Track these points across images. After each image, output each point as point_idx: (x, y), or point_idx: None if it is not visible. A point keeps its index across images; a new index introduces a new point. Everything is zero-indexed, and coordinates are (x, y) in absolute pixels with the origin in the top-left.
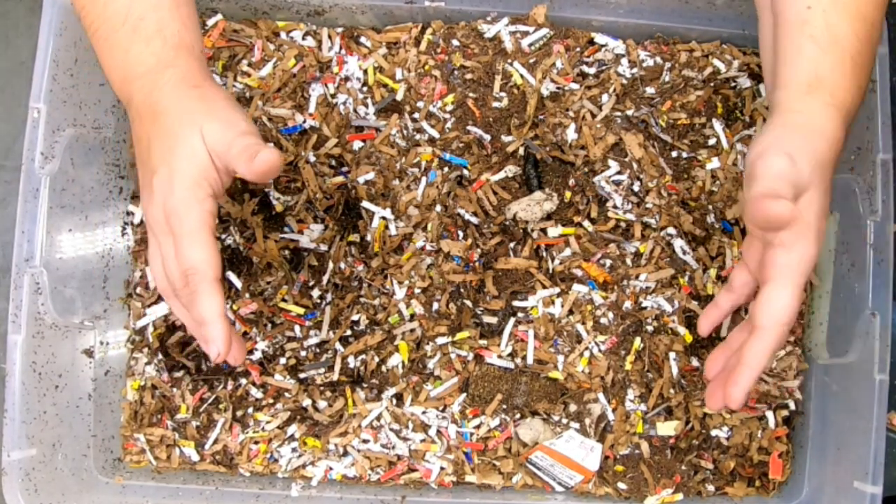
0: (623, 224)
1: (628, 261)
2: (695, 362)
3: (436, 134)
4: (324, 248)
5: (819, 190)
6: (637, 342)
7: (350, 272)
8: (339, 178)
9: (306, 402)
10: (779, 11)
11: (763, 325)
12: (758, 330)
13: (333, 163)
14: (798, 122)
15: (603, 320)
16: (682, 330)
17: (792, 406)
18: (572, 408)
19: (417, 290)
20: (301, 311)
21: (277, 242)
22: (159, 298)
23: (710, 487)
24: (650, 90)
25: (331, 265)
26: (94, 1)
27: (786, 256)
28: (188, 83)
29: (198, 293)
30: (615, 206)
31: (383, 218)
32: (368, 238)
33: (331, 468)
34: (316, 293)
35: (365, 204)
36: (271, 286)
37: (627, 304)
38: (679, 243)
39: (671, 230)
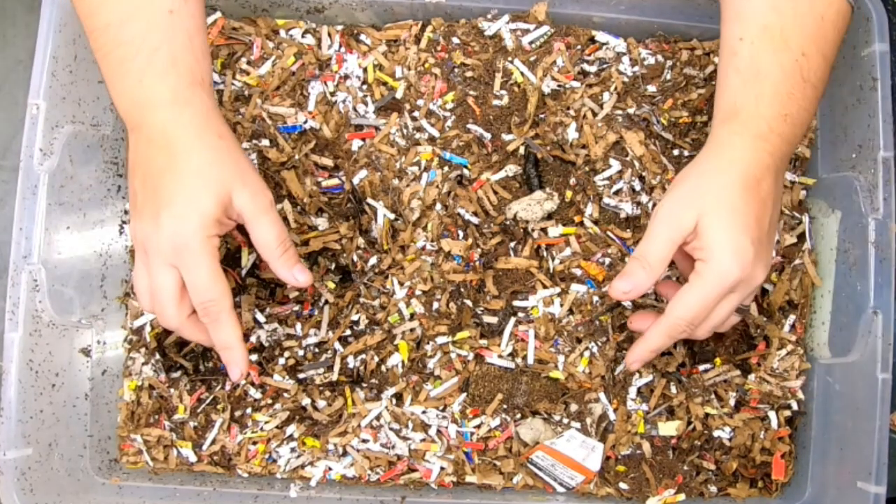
0: (624, 223)
1: (627, 260)
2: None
3: (436, 132)
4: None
5: (713, 220)
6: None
7: (361, 266)
8: (334, 181)
9: (305, 402)
10: (720, 42)
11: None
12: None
13: (330, 164)
14: (708, 154)
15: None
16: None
17: (794, 406)
18: (573, 407)
19: (418, 292)
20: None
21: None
22: None
23: (713, 488)
24: (651, 88)
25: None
26: (106, 27)
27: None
28: (211, 129)
29: (220, 322)
30: (616, 206)
31: (387, 216)
32: (374, 234)
33: (330, 468)
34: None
35: (369, 201)
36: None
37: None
38: None
39: None
